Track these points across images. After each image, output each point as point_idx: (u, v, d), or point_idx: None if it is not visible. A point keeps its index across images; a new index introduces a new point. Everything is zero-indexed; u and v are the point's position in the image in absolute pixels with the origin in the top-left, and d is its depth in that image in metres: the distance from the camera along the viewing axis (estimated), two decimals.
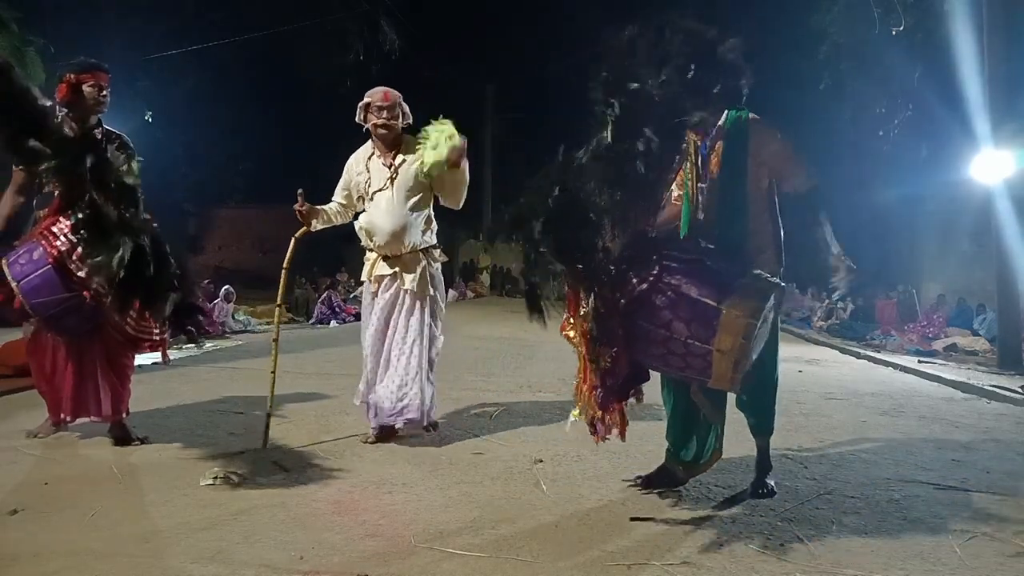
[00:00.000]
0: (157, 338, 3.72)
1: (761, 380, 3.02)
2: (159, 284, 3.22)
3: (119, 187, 3.20)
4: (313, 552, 2.34)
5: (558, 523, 2.67)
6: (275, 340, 3.94)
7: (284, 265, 4.03)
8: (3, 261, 3.36)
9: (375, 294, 3.95)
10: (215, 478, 3.06)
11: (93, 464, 3.35)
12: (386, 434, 3.88)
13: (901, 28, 11.94)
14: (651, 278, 2.64)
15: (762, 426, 3.15)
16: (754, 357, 2.66)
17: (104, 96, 3.70)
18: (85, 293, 3.32)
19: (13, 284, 3.31)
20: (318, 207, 4.02)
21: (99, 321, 3.54)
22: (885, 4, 12.18)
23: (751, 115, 3.09)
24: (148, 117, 14.23)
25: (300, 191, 3.90)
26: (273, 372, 3.89)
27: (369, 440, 3.85)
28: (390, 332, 3.87)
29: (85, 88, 3.65)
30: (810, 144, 17.35)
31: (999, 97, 8.42)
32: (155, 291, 3.22)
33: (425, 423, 3.96)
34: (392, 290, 3.89)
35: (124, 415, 3.83)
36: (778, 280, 2.84)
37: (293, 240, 4.00)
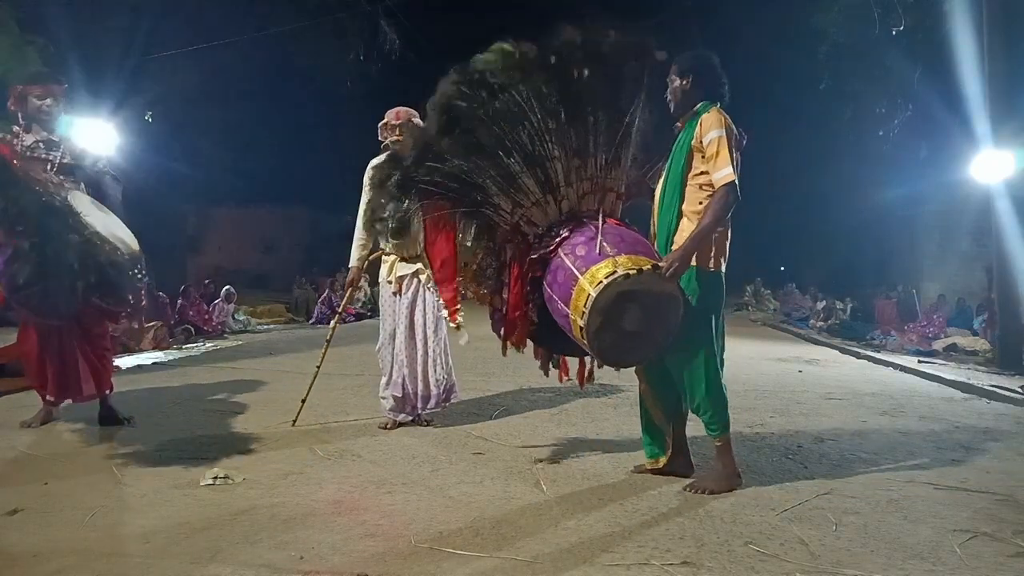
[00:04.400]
0: (131, 307, 3.88)
1: (695, 379, 3.08)
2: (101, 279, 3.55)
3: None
4: (313, 552, 2.34)
5: (558, 523, 2.67)
6: (328, 340, 4.58)
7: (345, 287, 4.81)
8: None
9: (397, 293, 4.30)
10: (215, 478, 3.06)
11: (93, 464, 3.35)
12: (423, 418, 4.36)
13: (901, 28, 11.93)
14: (555, 245, 2.98)
15: (710, 425, 3.13)
16: (642, 335, 2.84)
17: (48, 106, 3.90)
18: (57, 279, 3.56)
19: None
20: (359, 262, 4.38)
21: (75, 300, 3.70)
22: (885, 4, 12.17)
23: (714, 108, 3.12)
24: (148, 117, 14.20)
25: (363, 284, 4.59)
26: (318, 367, 4.47)
27: (420, 422, 4.31)
28: (419, 327, 4.28)
29: (32, 100, 3.87)
30: (810, 144, 17.42)
31: (999, 97, 8.41)
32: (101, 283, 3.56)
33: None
34: (413, 288, 4.28)
35: (108, 392, 4.15)
36: (646, 269, 2.79)
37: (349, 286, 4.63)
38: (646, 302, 2.81)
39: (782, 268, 22.97)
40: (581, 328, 2.78)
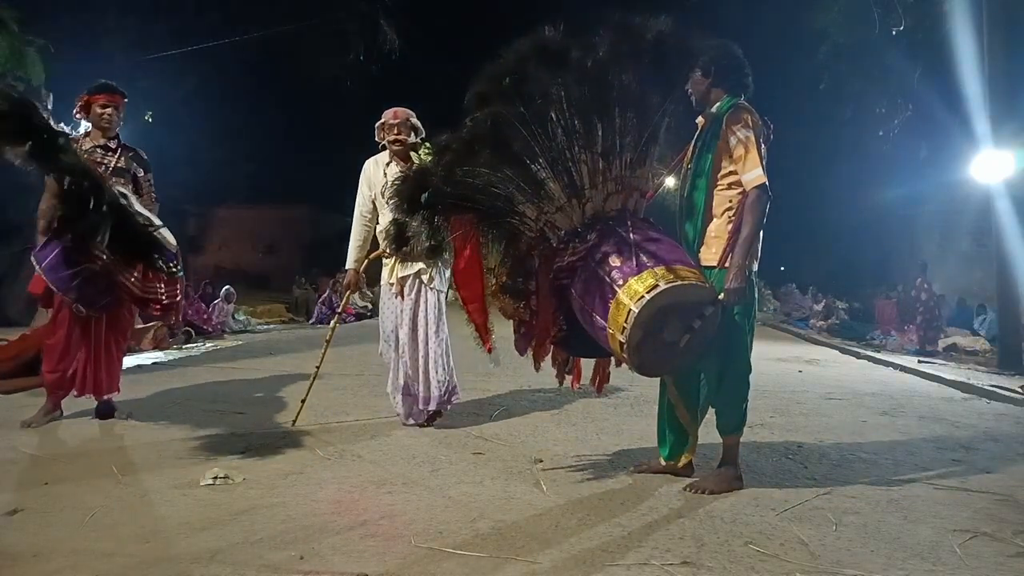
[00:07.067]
0: (165, 299, 4.12)
1: (725, 376, 3.08)
2: (138, 239, 3.87)
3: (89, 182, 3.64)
4: (313, 552, 2.34)
5: (558, 523, 2.67)
6: (327, 340, 4.54)
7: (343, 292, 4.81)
8: (33, 254, 3.90)
9: (400, 295, 4.27)
10: (215, 478, 3.06)
11: (93, 464, 3.35)
12: (432, 417, 4.31)
13: (901, 28, 11.95)
14: (583, 252, 2.87)
15: (726, 424, 3.14)
16: (677, 346, 2.76)
17: (110, 114, 4.24)
18: (95, 261, 3.80)
19: (38, 268, 3.86)
20: (356, 264, 4.40)
21: (113, 290, 3.99)
22: (885, 4, 12.19)
23: (739, 102, 3.07)
24: (148, 117, 14.22)
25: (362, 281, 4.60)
26: (318, 367, 4.47)
27: (421, 423, 4.27)
28: (421, 328, 4.24)
29: (95, 108, 4.21)
30: (810, 144, 17.42)
31: (999, 97, 8.42)
32: (138, 244, 3.87)
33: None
34: (416, 289, 4.25)
35: (115, 392, 4.35)
36: (698, 281, 2.76)
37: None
38: (687, 313, 2.74)
39: (782, 268, 22.97)
40: (621, 343, 2.70)
